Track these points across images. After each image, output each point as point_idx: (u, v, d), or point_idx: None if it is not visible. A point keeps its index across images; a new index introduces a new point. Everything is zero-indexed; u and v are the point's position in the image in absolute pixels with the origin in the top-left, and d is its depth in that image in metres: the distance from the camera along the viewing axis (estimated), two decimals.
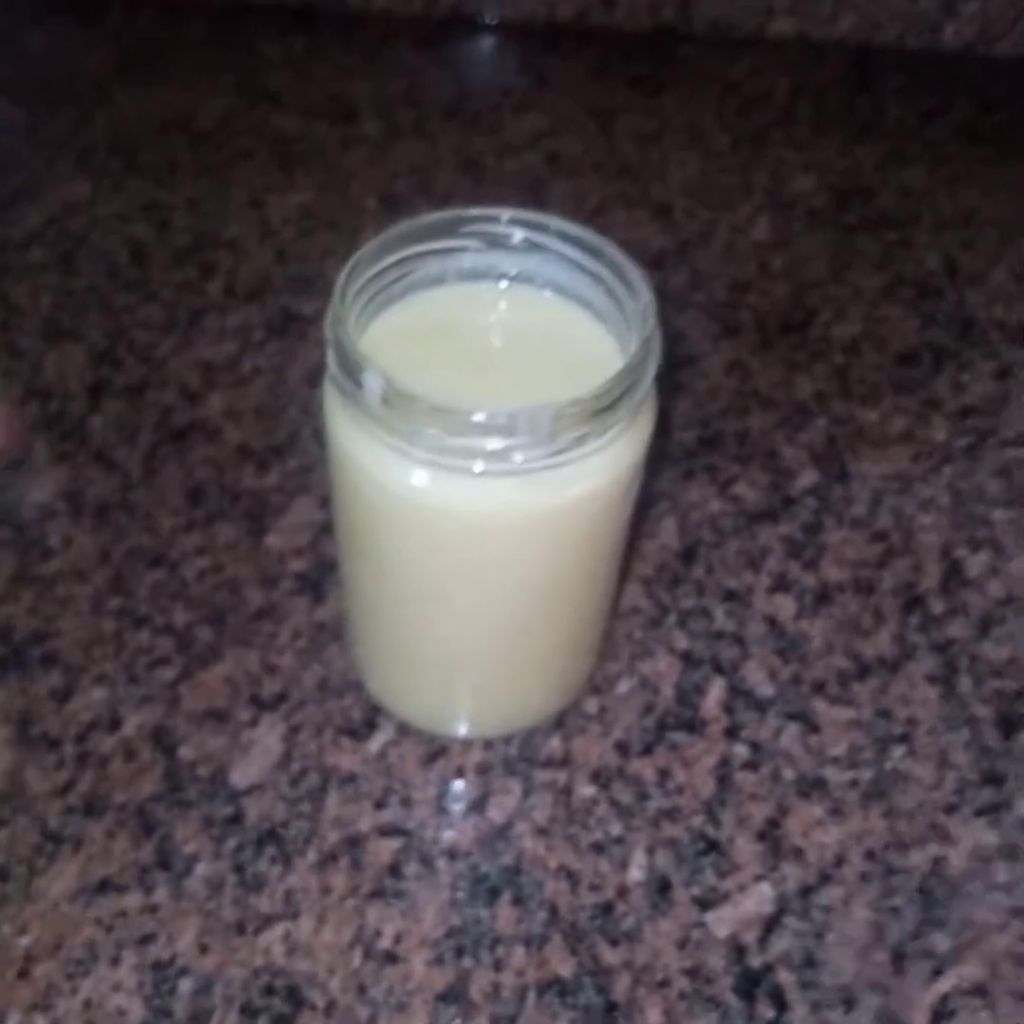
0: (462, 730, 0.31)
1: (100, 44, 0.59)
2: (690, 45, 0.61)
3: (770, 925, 0.28)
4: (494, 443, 0.23)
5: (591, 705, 0.32)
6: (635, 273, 0.26)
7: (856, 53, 0.62)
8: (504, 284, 0.28)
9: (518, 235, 0.27)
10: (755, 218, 0.50)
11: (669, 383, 0.42)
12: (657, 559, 0.36)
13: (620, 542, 0.29)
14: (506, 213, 0.27)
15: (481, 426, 0.23)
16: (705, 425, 0.41)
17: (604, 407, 0.23)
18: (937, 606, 0.35)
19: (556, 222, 0.27)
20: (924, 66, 0.61)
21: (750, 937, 0.27)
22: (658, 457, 0.39)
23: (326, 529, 0.36)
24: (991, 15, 0.62)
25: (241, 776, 0.30)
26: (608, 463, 0.25)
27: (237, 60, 0.58)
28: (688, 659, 0.33)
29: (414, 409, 0.23)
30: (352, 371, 0.24)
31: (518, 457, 0.23)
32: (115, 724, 0.31)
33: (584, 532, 0.26)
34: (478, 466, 0.23)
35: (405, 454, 0.24)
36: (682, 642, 0.33)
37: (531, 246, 0.27)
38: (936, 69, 0.61)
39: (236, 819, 0.29)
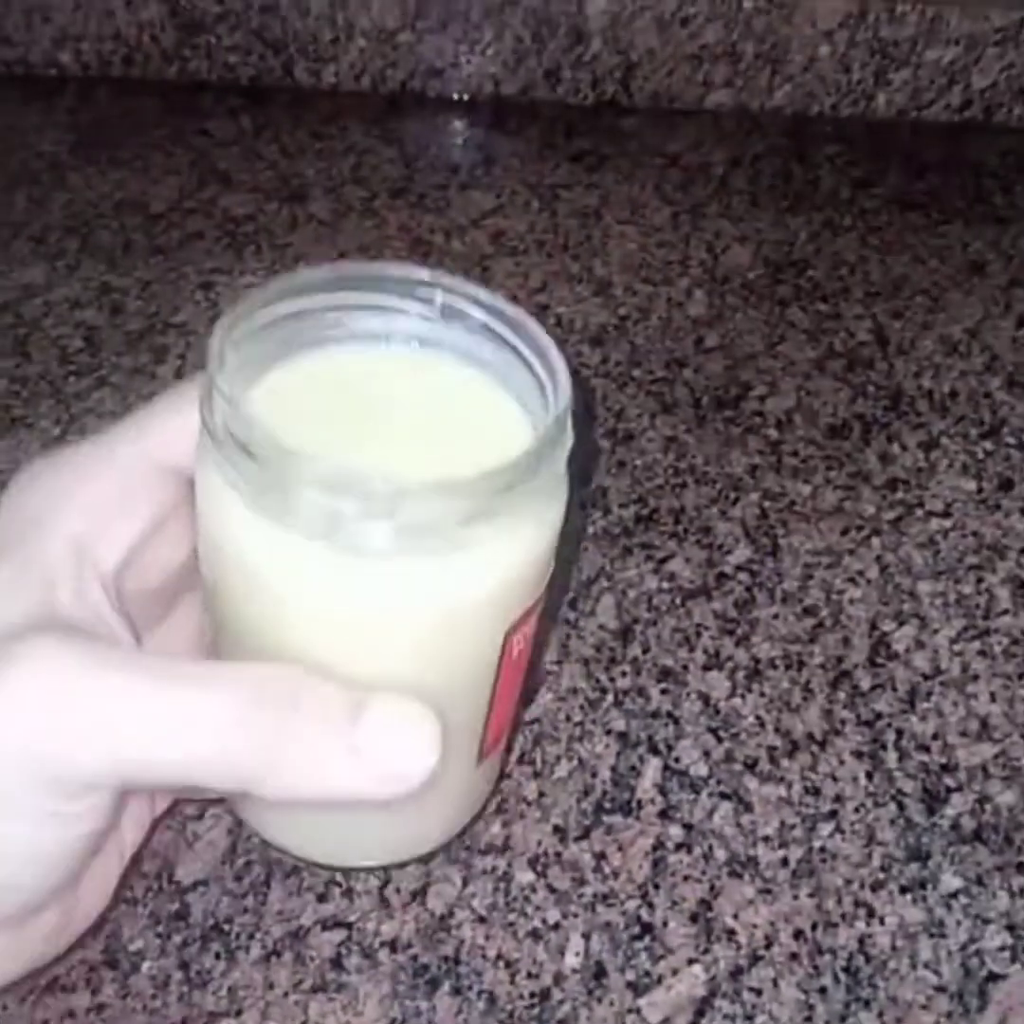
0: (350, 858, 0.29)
1: (54, 124, 0.61)
2: (632, 118, 0.63)
3: (702, 1009, 0.28)
4: (342, 509, 0.20)
5: (530, 790, 0.33)
6: (554, 350, 0.23)
7: (792, 122, 0.64)
8: (414, 347, 0.26)
9: (438, 299, 0.25)
10: (692, 292, 0.52)
11: (609, 460, 0.43)
12: (596, 639, 0.37)
13: (495, 656, 0.25)
14: (426, 274, 0.25)
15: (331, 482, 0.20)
16: (642, 502, 0.42)
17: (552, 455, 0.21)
18: (865, 681, 0.36)
19: (479, 290, 0.25)
20: (858, 134, 0.63)
21: (682, 1022, 0.28)
22: (598, 535, 0.41)
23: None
24: (921, 83, 0.64)
25: (186, 872, 0.31)
26: (496, 559, 0.22)
27: (189, 139, 0.60)
28: (625, 740, 0.34)
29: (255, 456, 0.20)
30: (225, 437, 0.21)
31: (376, 534, 0.20)
32: None
33: (447, 639, 0.23)
34: (330, 541, 0.21)
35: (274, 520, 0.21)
36: (619, 723, 0.35)
37: (449, 312, 0.25)
38: (869, 137, 0.63)
39: (182, 915, 0.30)
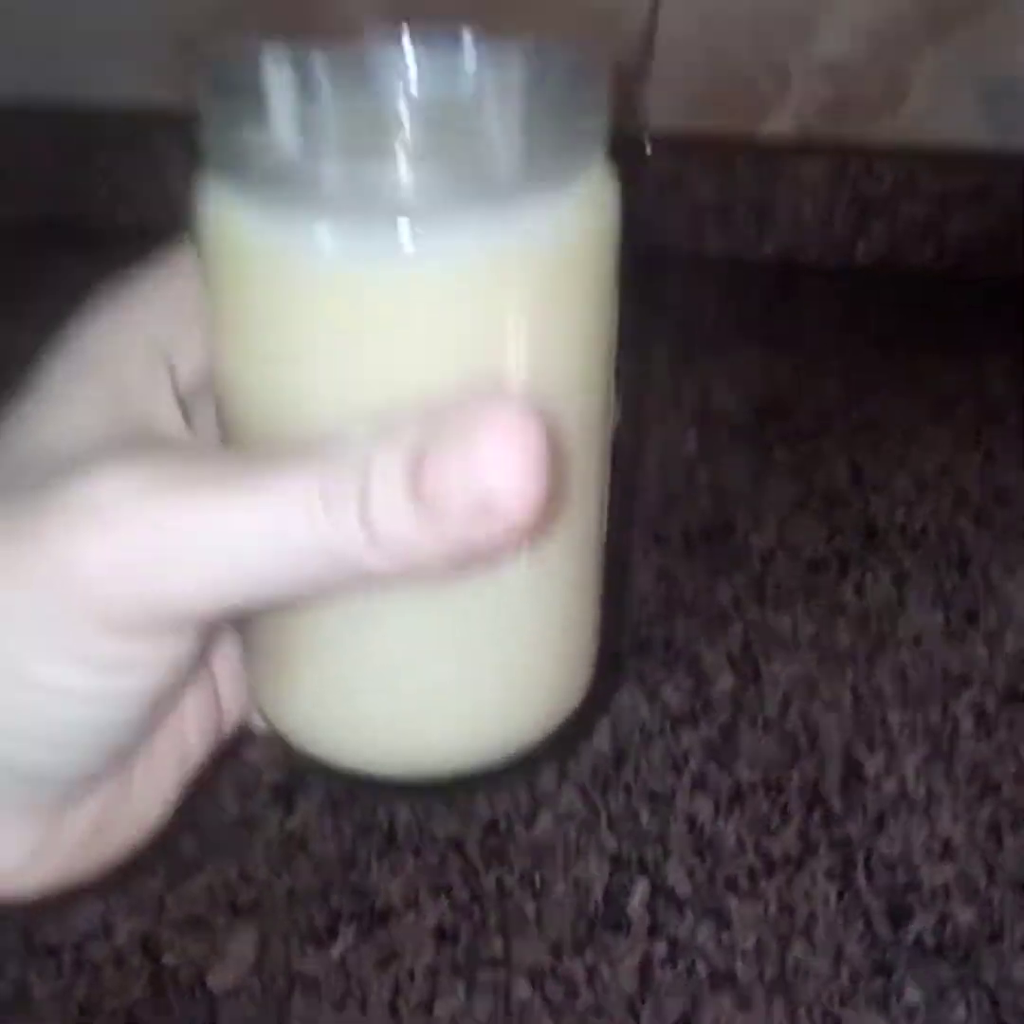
0: (410, 762, 0.24)
1: None
2: (631, 263, 0.68)
3: None
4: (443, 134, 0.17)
5: (530, 908, 0.36)
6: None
7: (779, 269, 0.69)
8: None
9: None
10: (686, 432, 0.56)
11: (607, 592, 0.47)
12: (591, 763, 0.40)
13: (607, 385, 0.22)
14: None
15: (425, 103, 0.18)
16: (636, 631, 0.46)
17: (586, 95, 0.19)
18: (837, 804, 0.39)
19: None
20: (840, 282, 0.69)
21: None
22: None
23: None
24: (898, 233, 0.69)
25: (217, 981, 0.34)
26: (590, 204, 0.20)
27: None
28: (617, 861, 0.37)
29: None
30: (240, 103, 0.18)
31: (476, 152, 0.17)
32: (108, 932, 0.35)
33: (581, 307, 0.20)
34: (406, 189, 0.17)
35: (308, 208, 0.18)
36: (612, 844, 0.38)
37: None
38: (851, 284, 0.68)
39: (210, 1022, 0.33)
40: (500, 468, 0.16)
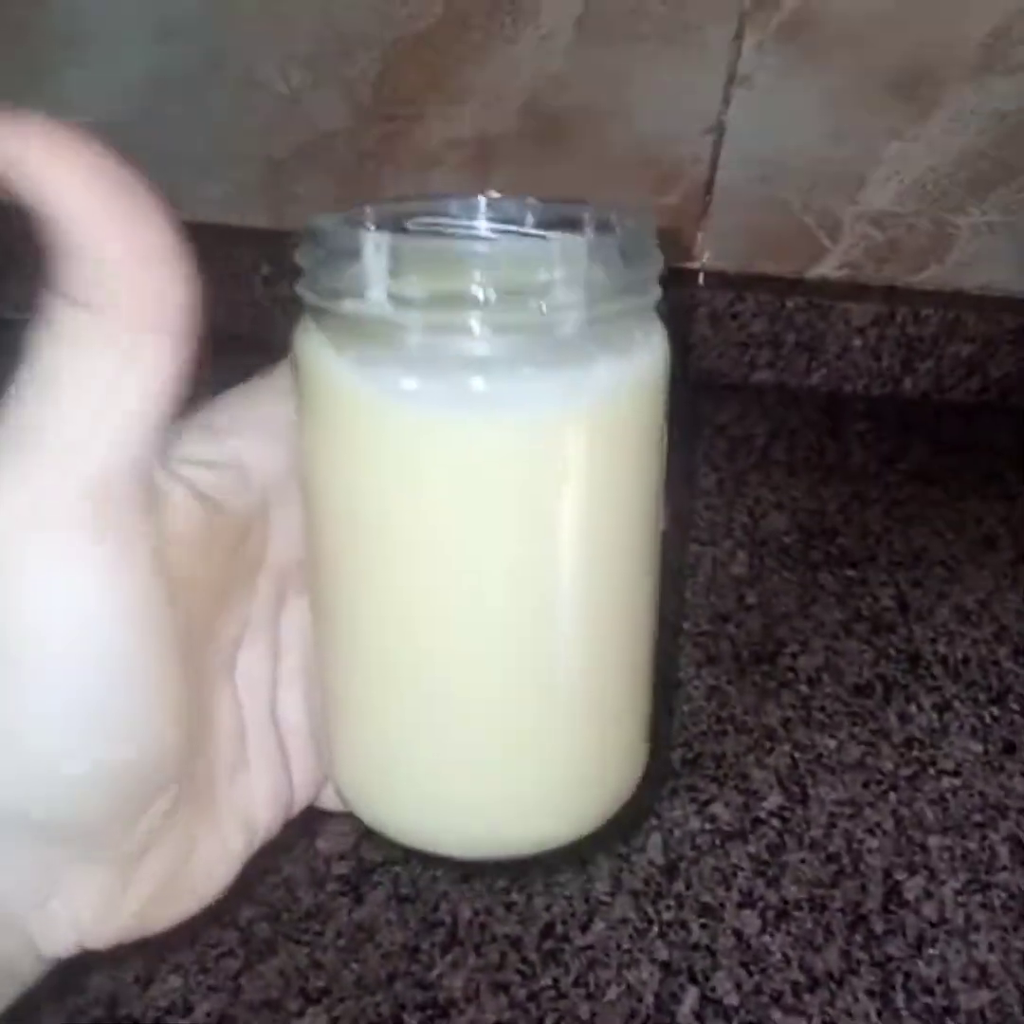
0: (474, 843, 0.25)
1: None
2: (685, 390, 0.72)
3: None
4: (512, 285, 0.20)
5: (584, 1010, 0.38)
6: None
7: (827, 400, 0.73)
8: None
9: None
10: (735, 553, 0.59)
11: (660, 705, 0.50)
12: (645, 873, 0.43)
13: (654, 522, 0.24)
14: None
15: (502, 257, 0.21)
16: (688, 746, 0.48)
17: (636, 251, 0.22)
18: (878, 925, 0.41)
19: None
20: (886, 413, 0.72)
21: None
22: (649, 775, 0.47)
23: (367, 834, 0.43)
24: (943, 370, 0.73)
25: None
26: (646, 357, 0.22)
27: None
28: (667, 969, 0.39)
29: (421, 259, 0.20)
30: (340, 264, 0.21)
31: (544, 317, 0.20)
32: (187, 1010, 0.37)
33: (634, 450, 0.23)
34: (481, 349, 0.20)
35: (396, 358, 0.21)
36: (663, 953, 0.40)
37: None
38: (897, 415, 0.72)
39: None
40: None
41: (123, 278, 0.18)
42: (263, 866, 0.42)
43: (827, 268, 0.72)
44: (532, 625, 0.23)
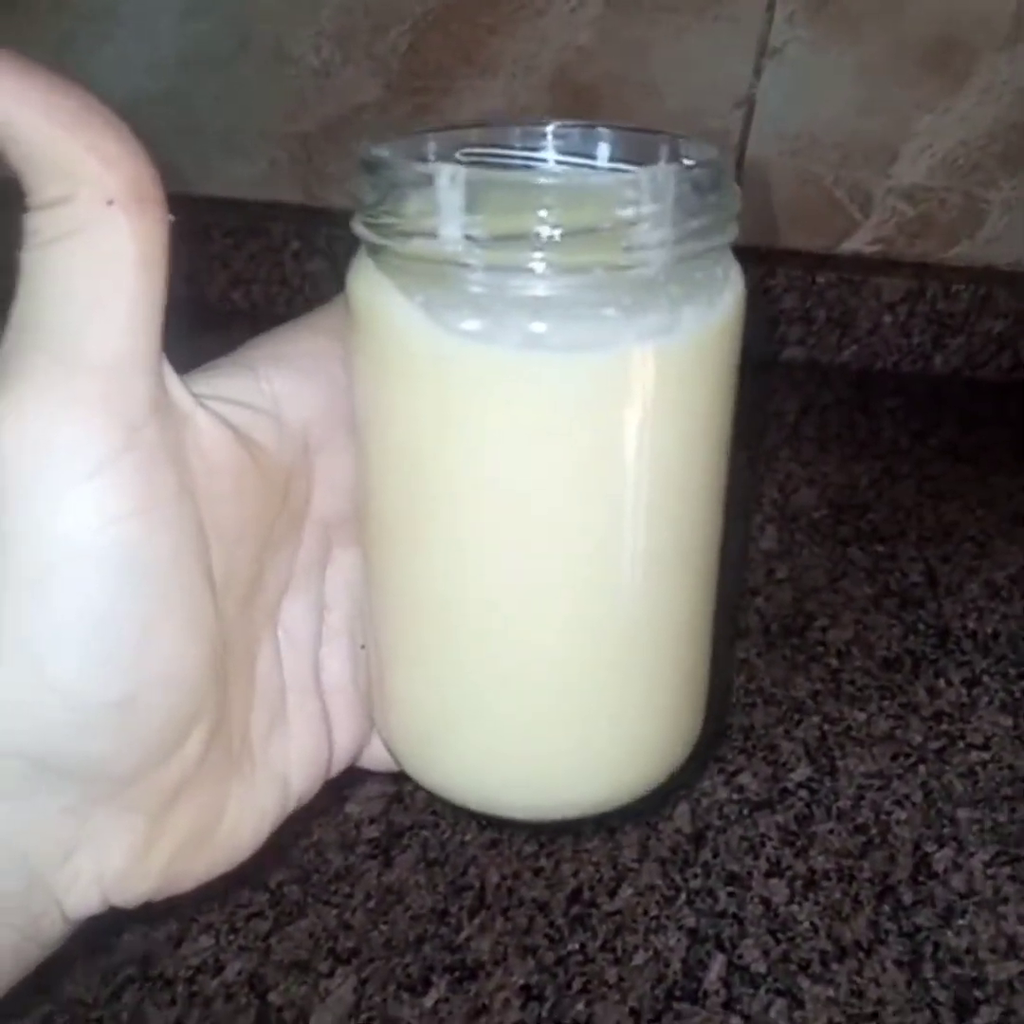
0: (523, 801, 0.25)
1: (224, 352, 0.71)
2: None
3: None
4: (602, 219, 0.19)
5: (611, 974, 0.38)
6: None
7: (858, 376, 0.72)
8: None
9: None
10: (765, 528, 0.59)
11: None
12: (672, 841, 0.43)
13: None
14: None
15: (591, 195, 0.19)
16: (718, 718, 0.48)
17: (719, 186, 0.20)
18: (907, 896, 0.41)
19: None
20: (917, 389, 0.72)
21: None
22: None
23: (397, 798, 0.44)
24: (974, 347, 0.72)
25: (319, 1021, 0.36)
26: (729, 296, 0.21)
27: None
28: (694, 936, 0.39)
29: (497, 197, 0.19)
30: (404, 189, 0.20)
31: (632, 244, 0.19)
32: (218, 969, 0.38)
33: (714, 397, 0.22)
34: (554, 289, 0.19)
35: (468, 297, 0.20)
36: (690, 920, 0.40)
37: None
38: (927, 392, 0.71)
39: None
40: None
41: (70, 153, 0.18)
42: (293, 829, 0.42)
43: (858, 243, 0.71)
44: (599, 576, 0.22)
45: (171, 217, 0.20)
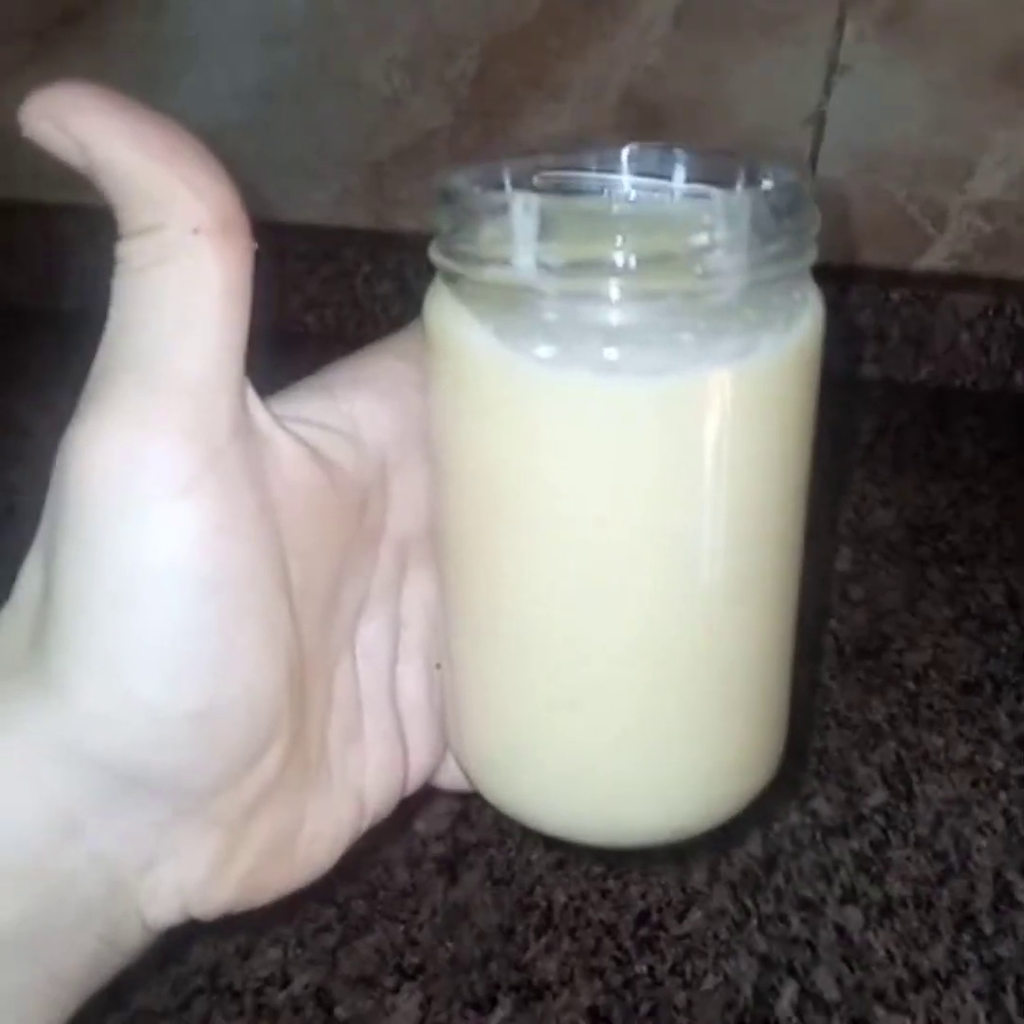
0: (597, 827, 0.24)
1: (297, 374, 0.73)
2: None
3: None
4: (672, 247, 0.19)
5: (680, 998, 0.37)
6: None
7: (935, 395, 0.71)
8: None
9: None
10: (839, 548, 0.58)
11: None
12: (743, 865, 0.42)
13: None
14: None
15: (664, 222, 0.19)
16: (790, 740, 0.47)
17: (797, 209, 0.20)
18: (988, 925, 0.40)
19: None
20: (996, 408, 0.70)
21: None
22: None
23: (464, 816, 0.43)
24: None
25: None
26: (807, 321, 0.21)
27: None
28: (766, 962, 0.38)
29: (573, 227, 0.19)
30: (480, 220, 0.20)
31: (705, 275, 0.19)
32: (286, 982, 0.38)
33: (795, 424, 0.22)
34: (627, 317, 0.19)
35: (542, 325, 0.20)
36: (761, 945, 0.39)
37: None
38: (1007, 411, 0.70)
39: None
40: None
41: (163, 184, 0.19)
42: (361, 845, 0.42)
43: (934, 259, 0.70)
44: (677, 600, 0.22)
45: (255, 244, 0.20)
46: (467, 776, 0.27)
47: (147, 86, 0.70)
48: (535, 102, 0.69)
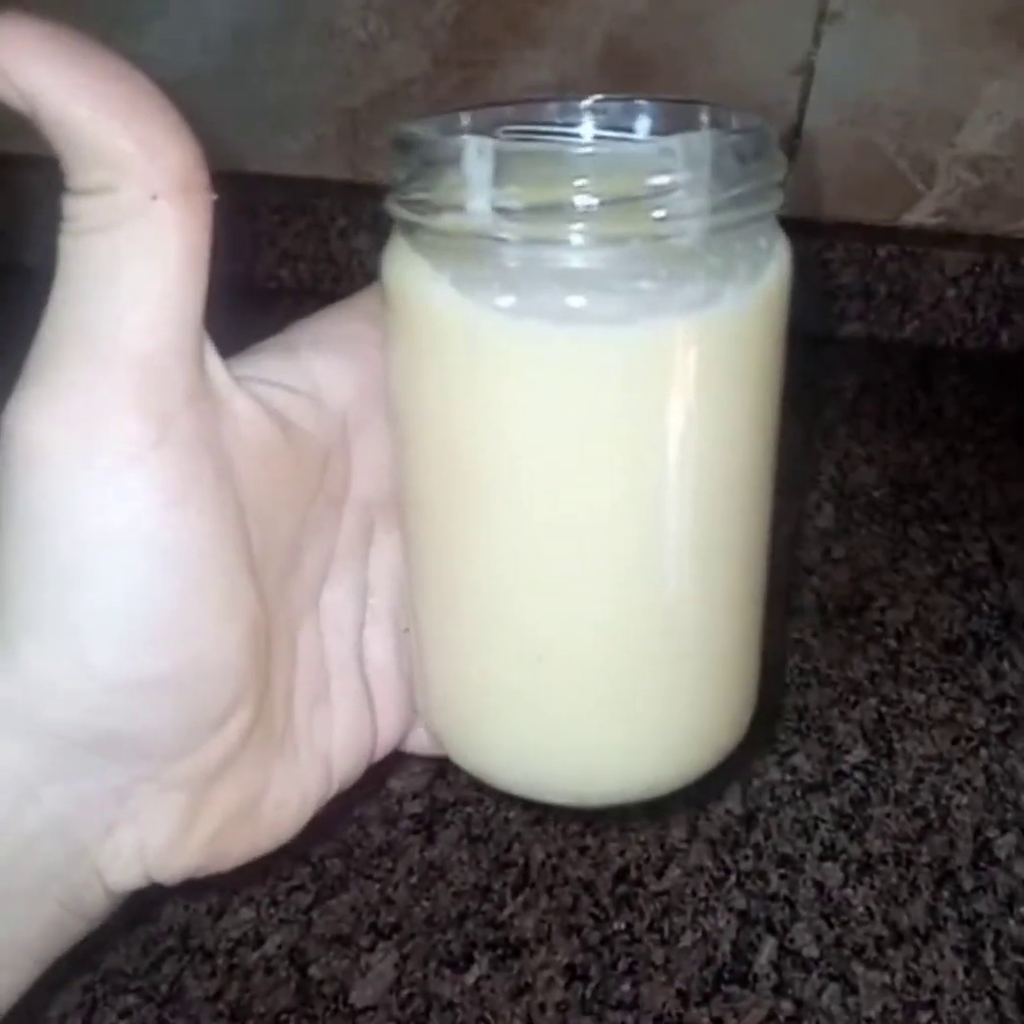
0: (569, 787, 0.24)
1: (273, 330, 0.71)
2: None
3: None
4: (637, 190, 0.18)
5: (658, 955, 0.37)
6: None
7: (919, 353, 0.70)
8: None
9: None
10: (821, 506, 0.57)
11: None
12: (722, 822, 0.41)
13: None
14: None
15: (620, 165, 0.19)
16: (769, 698, 0.47)
17: (760, 154, 0.20)
18: (967, 882, 0.39)
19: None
20: (981, 367, 0.69)
21: None
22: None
23: (440, 774, 0.43)
24: None
25: (359, 996, 0.36)
26: (772, 268, 0.20)
27: None
28: (744, 918, 0.38)
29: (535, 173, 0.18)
30: (439, 168, 0.19)
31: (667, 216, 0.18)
32: (259, 942, 0.37)
33: (760, 375, 0.21)
34: (587, 262, 0.19)
35: (507, 273, 0.19)
36: (740, 902, 0.39)
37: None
38: (992, 370, 0.69)
39: None
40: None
41: (117, 145, 0.18)
42: (336, 805, 0.42)
43: (921, 215, 0.69)
44: (642, 556, 0.21)
45: (213, 196, 0.19)
46: (436, 740, 0.26)
47: (114, 30, 0.68)
48: (514, 49, 0.67)
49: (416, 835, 0.41)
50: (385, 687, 0.27)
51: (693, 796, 0.42)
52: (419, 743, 0.29)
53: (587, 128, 0.24)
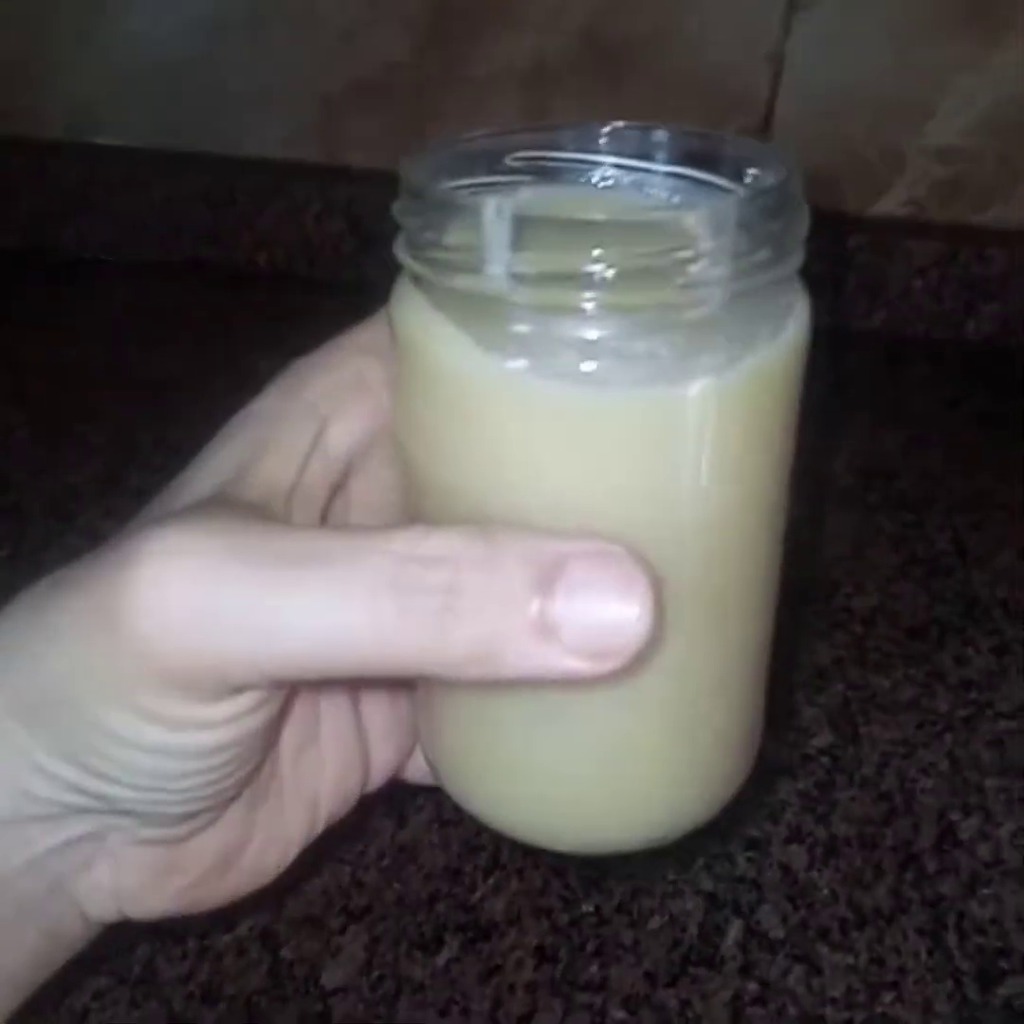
0: (571, 837, 0.24)
1: (255, 312, 0.71)
2: None
3: None
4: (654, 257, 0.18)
5: (627, 937, 0.37)
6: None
7: (887, 343, 0.71)
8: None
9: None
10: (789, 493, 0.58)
11: None
12: None
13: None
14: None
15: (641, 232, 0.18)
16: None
17: (785, 213, 0.19)
18: (931, 865, 0.40)
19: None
20: (948, 356, 0.70)
21: None
22: None
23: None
24: (1009, 312, 0.71)
25: (330, 978, 0.36)
26: (791, 330, 0.20)
27: None
28: (712, 900, 0.39)
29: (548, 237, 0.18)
30: (441, 223, 0.19)
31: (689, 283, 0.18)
32: (230, 925, 0.37)
33: (778, 429, 0.21)
34: (601, 331, 0.18)
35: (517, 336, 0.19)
36: (708, 884, 0.39)
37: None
38: (958, 360, 0.70)
39: (324, 1017, 0.35)
40: (620, 615, 0.17)
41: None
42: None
43: (889, 205, 0.70)
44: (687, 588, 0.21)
45: None
46: (438, 780, 0.26)
47: (96, 16, 0.67)
48: (493, 33, 0.67)
49: (388, 818, 0.41)
50: (378, 720, 0.27)
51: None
52: (417, 774, 0.29)
53: (603, 156, 0.24)
